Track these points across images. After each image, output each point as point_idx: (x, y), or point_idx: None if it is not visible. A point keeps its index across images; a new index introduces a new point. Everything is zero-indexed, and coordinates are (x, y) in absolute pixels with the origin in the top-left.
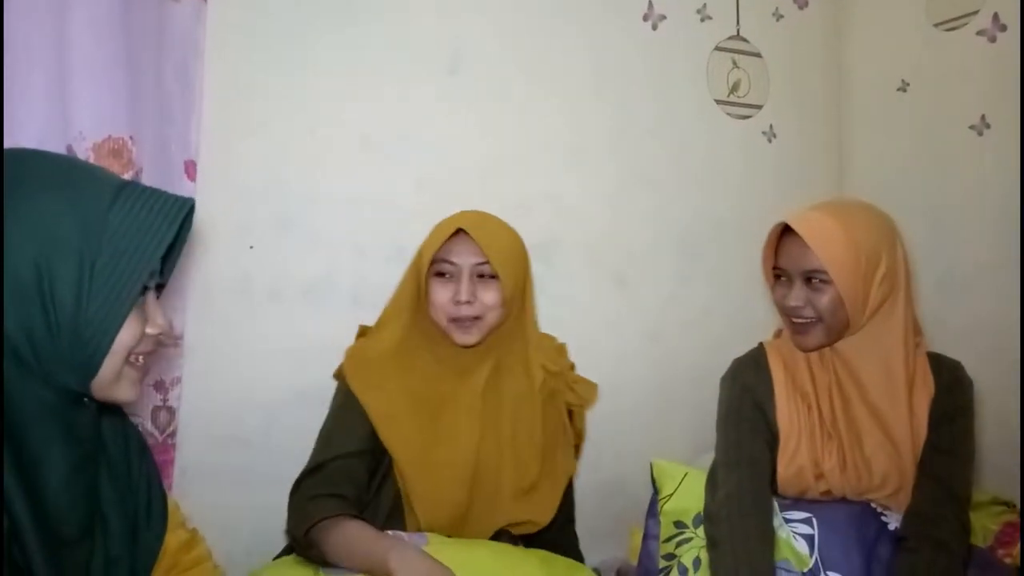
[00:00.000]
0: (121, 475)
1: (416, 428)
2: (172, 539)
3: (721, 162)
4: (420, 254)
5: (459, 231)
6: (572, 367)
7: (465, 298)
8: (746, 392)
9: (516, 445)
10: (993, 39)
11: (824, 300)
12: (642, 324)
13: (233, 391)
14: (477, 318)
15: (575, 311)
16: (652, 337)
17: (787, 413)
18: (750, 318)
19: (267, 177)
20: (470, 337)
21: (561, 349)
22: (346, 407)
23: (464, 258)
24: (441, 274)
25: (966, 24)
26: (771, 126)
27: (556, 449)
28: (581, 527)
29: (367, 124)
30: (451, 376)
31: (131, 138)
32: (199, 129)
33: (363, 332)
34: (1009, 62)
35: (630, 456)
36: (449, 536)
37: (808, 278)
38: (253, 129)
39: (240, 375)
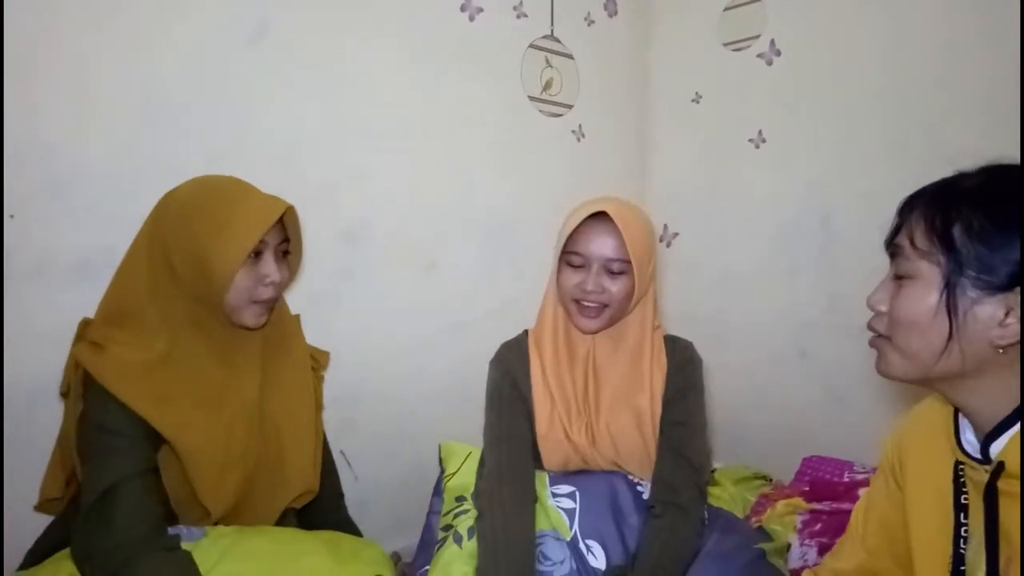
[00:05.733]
0: None
1: (205, 428)
2: None
3: (532, 156)
4: (238, 235)
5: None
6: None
7: (277, 279)
8: (507, 375)
9: (293, 423)
10: (770, 62)
11: (619, 287)
12: (448, 311)
13: None
14: (275, 300)
15: (382, 296)
16: (457, 325)
17: (542, 393)
18: None
19: (31, 138)
20: (263, 319)
21: (297, 320)
22: (112, 425)
23: (272, 236)
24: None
25: (749, 47)
26: (580, 125)
27: (315, 417)
28: (384, 514)
29: (152, 87)
30: (226, 364)
31: None
32: None
33: (89, 326)
34: (783, 84)
35: (431, 443)
36: (231, 524)
37: (608, 267)
38: (14, 82)
39: None
